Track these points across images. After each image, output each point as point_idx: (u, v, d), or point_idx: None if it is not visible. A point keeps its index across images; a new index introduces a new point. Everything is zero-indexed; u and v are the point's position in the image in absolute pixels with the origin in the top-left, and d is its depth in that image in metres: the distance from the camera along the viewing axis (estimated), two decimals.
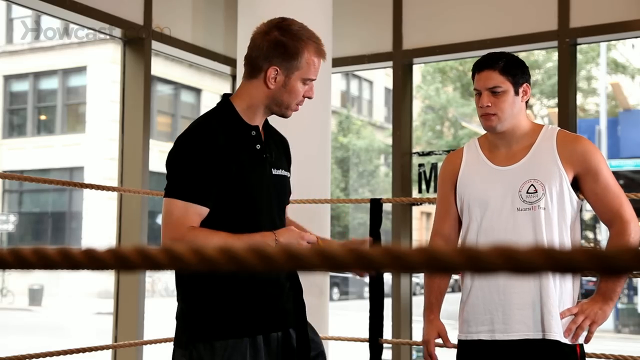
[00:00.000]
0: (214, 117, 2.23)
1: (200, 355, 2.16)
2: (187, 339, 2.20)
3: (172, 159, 2.18)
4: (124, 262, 0.59)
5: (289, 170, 2.37)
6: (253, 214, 2.19)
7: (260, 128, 2.28)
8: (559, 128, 2.61)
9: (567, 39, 4.72)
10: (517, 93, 2.53)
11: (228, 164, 2.15)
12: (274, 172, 2.26)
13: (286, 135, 2.47)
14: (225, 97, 2.29)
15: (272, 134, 2.34)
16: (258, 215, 2.20)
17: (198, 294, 2.21)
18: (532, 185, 2.50)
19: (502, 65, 2.51)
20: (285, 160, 2.37)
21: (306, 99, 2.26)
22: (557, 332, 2.47)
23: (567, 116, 4.71)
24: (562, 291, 2.51)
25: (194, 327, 2.20)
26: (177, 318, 2.26)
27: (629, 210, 2.50)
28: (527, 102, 2.59)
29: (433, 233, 2.73)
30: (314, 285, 4.31)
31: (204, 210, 2.13)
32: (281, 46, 2.18)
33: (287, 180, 2.32)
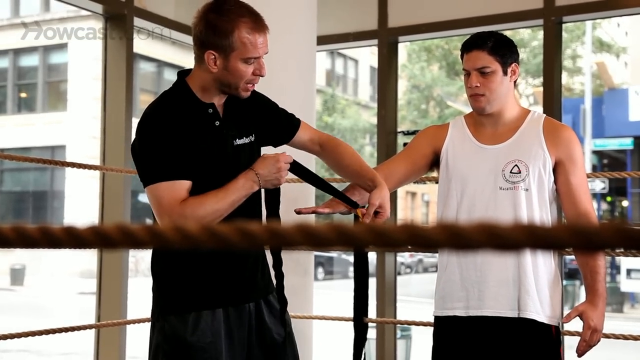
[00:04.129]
0: (170, 98, 2.24)
1: (173, 328, 2.20)
2: (160, 311, 2.24)
3: (138, 147, 2.19)
4: (105, 239, 0.59)
5: (254, 132, 2.34)
6: (220, 184, 2.20)
7: (219, 105, 2.28)
8: (545, 115, 2.63)
9: (552, 17, 4.72)
10: (505, 73, 2.53)
11: (190, 141, 2.16)
12: (237, 142, 2.27)
13: None
14: (181, 76, 2.29)
15: (236, 104, 2.32)
16: (225, 184, 2.21)
17: (169, 268, 2.25)
18: (516, 165, 2.51)
19: (490, 45, 2.51)
20: (255, 123, 2.35)
21: (259, 77, 2.22)
22: (533, 311, 2.48)
23: (553, 95, 4.72)
24: (542, 270, 2.51)
25: (165, 300, 2.24)
26: (152, 292, 2.30)
27: (593, 213, 2.56)
28: (515, 81, 2.59)
29: (378, 166, 2.71)
30: (299, 265, 4.32)
31: (188, 184, 2.15)
32: (212, 28, 2.15)
33: (250, 145, 2.31)
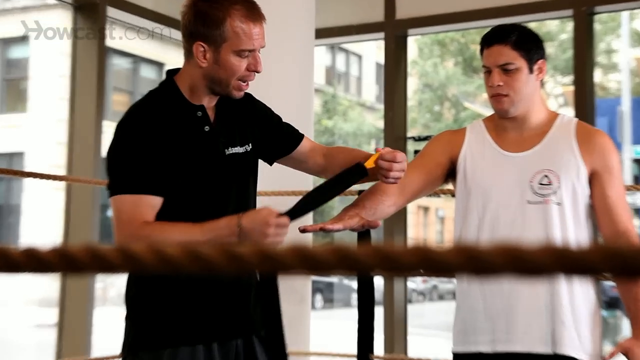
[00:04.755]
0: (155, 98, 2.25)
1: None
2: (131, 346, 2.21)
3: (112, 151, 2.19)
4: (71, 262, 0.59)
5: (251, 141, 2.34)
6: (208, 200, 2.21)
7: (209, 107, 2.28)
8: (577, 119, 2.63)
9: (583, 7, 4.74)
10: (531, 70, 2.54)
11: (173, 149, 2.17)
12: (228, 151, 2.27)
13: None
14: (169, 75, 2.30)
15: (230, 108, 2.33)
16: (214, 200, 2.22)
17: (145, 294, 2.23)
18: (545, 175, 2.51)
19: (514, 39, 2.52)
20: (249, 131, 2.35)
21: (254, 73, 2.23)
22: (571, 347, 2.43)
23: (585, 95, 4.73)
24: (579, 298, 2.48)
25: (138, 332, 2.21)
26: (125, 321, 2.27)
27: (634, 231, 2.54)
28: (542, 80, 2.60)
29: None
30: (294, 291, 4.32)
31: (157, 201, 2.14)
32: (201, 17, 2.17)
33: (245, 155, 2.31)
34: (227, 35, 2.16)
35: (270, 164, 2.49)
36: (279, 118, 2.47)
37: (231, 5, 2.17)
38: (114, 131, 2.21)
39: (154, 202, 2.14)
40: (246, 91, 2.31)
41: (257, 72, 2.22)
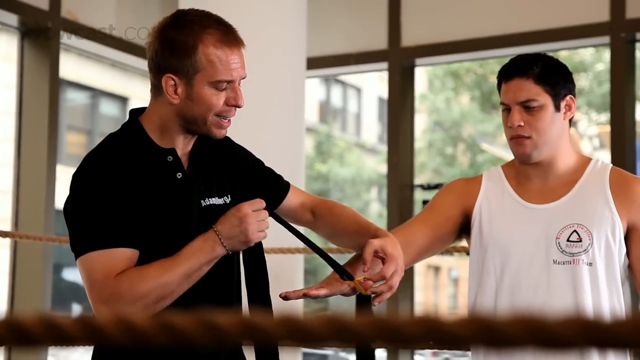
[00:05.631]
0: (117, 141, 2.26)
1: None
2: None
3: (71, 205, 2.20)
4: (21, 334, 0.60)
5: (229, 192, 2.36)
6: None
7: (183, 152, 2.29)
8: (612, 165, 2.65)
9: (622, 34, 4.79)
10: (557, 108, 2.55)
11: (142, 199, 2.18)
12: (205, 202, 2.28)
13: None
14: (133, 114, 2.31)
15: (206, 154, 2.35)
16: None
17: None
18: (575, 231, 2.52)
19: (537, 71, 2.53)
20: (227, 180, 2.37)
21: (235, 108, 2.23)
22: None
23: (624, 136, 4.76)
24: None
25: None
26: None
27: None
28: (570, 119, 2.62)
29: (394, 229, 2.71)
30: None
31: (132, 254, 2.15)
32: (169, 46, 2.18)
33: (224, 208, 2.32)
34: (199, 65, 2.16)
35: None
36: (262, 164, 2.47)
37: (203, 29, 2.17)
38: (70, 183, 2.22)
39: (130, 255, 2.14)
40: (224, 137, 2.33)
41: (238, 106, 2.22)
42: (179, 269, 2.12)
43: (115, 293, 2.10)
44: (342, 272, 2.31)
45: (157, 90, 2.23)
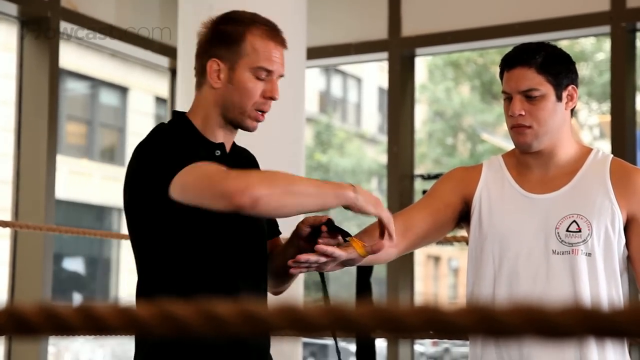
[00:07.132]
0: (169, 129, 2.33)
1: None
2: None
3: (156, 141, 2.26)
4: (21, 324, 0.60)
5: None
6: (229, 243, 2.29)
7: (227, 147, 2.37)
8: (613, 156, 2.65)
9: (623, 23, 4.79)
10: (559, 98, 2.55)
11: None
12: None
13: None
14: (178, 113, 2.41)
15: (239, 155, 2.44)
16: (235, 244, 2.30)
17: None
18: (574, 221, 2.52)
19: (540, 60, 2.53)
20: None
21: (270, 100, 2.32)
22: None
23: (624, 126, 4.76)
24: None
25: None
26: None
27: None
28: (572, 109, 2.61)
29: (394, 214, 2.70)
30: (282, 355, 4.30)
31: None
32: (219, 35, 2.34)
33: None
34: (244, 51, 2.30)
35: None
36: None
37: (253, 22, 2.34)
38: (137, 150, 2.28)
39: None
40: (245, 148, 2.46)
41: (274, 99, 2.33)
42: (312, 181, 2.22)
43: (244, 178, 2.11)
44: (342, 232, 2.35)
45: (200, 76, 2.36)
